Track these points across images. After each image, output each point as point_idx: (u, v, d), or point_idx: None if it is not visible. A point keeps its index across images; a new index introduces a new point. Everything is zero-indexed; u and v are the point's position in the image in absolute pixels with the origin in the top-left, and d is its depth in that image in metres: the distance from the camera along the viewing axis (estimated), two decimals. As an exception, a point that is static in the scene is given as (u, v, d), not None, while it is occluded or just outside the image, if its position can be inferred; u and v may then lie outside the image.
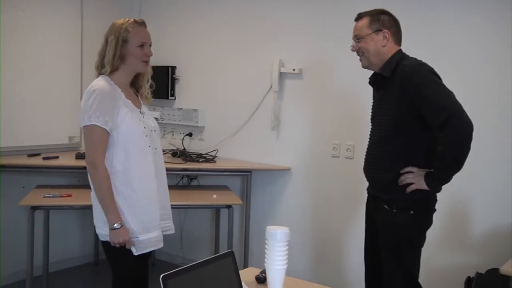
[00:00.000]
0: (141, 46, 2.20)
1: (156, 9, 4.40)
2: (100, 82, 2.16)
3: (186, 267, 1.27)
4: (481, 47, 2.92)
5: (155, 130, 2.30)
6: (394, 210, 2.21)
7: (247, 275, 1.82)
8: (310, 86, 3.60)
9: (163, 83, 4.26)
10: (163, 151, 4.01)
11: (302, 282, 1.83)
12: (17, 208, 3.23)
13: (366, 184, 3.30)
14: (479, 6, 2.91)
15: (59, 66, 3.86)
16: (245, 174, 3.81)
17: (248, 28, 3.89)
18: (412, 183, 2.17)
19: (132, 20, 2.22)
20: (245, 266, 3.57)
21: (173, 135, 4.36)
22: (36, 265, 3.52)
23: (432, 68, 2.18)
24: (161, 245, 2.28)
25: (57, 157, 3.65)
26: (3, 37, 3.59)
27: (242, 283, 1.53)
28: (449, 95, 2.10)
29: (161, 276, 1.19)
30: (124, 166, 2.14)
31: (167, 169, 3.76)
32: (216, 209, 4.00)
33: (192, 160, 3.85)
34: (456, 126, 2.05)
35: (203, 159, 3.87)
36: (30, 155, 3.70)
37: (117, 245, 2.12)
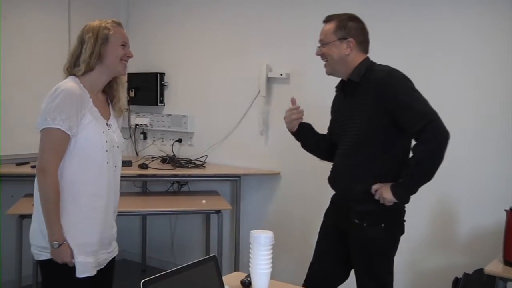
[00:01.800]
0: (122, 45, 2.05)
1: (144, 15, 4.41)
2: (69, 83, 1.96)
3: (167, 272, 1.27)
4: (481, 45, 2.92)
5: (118, 146, 2.08)
6: (365, 224, 2.16)
7: (233, 279, 1.82)
8: (297, 90, 3.60)
9: (152, 89, 4.26)
10: (153, 157, 4.09)
11: (287, 286, 1.83)
12: (5, 217, 3.21)
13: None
14: (478, 2, 2.91)
15: (46, 72, 3.83)
16: (235, 179, 3.82)
17: (236, 33, 3.90)
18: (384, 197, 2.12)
19: (110, 20, 2.06)
20: (236, 270, 3.57)
21: (162, 141, 4.36)
22: (25, 275, 3.50)
23: (406, 75, 2.14)
24: (94, 272, 2.01)
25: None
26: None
27: (226, 287, 1.53)
28: (426, 102, 2.08)
29: (142, 282, 1.18)
30: (74, 178, 1.95)
31: (158, 176, 3.83)
32: (206, 215, 4.00)
33: (182, 166, 3.85)
34: (435, 132, 2.02)
35: (193, 165, 3.87)
36: (18, 164, 3.69)
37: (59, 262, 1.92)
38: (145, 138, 4.42)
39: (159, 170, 3.77)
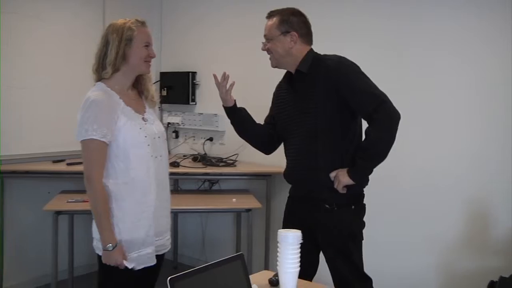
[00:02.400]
0: (146, 46, 2.10)
1: (176, 15, 4.45)
2: (96, 92, 2.04)
3: (193, 269, 1.28)
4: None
5: (159, 137, 2.15)
6: (335, 208, 2.22)
7: (261, 278, 1.82)
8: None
9: (184, 88, 4.31)
10: (184, 155, 4.13)
11: (315, 285, 1.81)
12: (43, 213, 3.30)
13: (376, 184, 3.32)
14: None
15: (82, 71, 3.92)
16: (266, 178, 3.81)
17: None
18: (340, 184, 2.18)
19: (133, 19, 2.10)
20: (266, 268, 3.57)
21: (194, 140, 4.39)
22: (62, 270, 3.60)
23: (354, 62, 2.21)
24: (152, 262, 2.12)
25: (81, 163, 3.71)
26: (24, 44, 3.71)
27: (254, 285, 1.53)
28: (374, 86, 2.16)
29: (169, 278, 1.20)
30: (123, 179, 2.03)
31: (189, 174, 3.86)
32: (237, 213, 4.01)
33: (213, 165, 3.87)
34: (386, 113, 2.10)
35: (224, 164, 3.89)
36: (55, 161, 3.79)
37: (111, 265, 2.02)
38: (177, 136, 4.47)
39: (190, 168, 3.81)
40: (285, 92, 2.39)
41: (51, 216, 3.22)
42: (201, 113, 4.28)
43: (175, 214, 4.37)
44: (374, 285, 3.31)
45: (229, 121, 4.13)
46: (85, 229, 4.02)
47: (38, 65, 3.79)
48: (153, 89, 2.24)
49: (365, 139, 2.18)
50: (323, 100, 2.19)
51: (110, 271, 2.05)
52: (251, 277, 1.80)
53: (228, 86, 2.45)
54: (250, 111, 3.90)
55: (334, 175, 2.20)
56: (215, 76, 2.47)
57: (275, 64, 2.34)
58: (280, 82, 2.46)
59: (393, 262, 3.34)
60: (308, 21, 2.33)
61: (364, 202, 2.34)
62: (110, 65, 2.05)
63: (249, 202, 3.58)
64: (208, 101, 4.30)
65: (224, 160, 3.95)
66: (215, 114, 4.18)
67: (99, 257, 2.09)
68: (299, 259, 1.65)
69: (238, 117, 2.50)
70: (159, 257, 2.20)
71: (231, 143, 4.13)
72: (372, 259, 3.40)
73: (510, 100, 2.82)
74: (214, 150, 4.24)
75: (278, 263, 1.65)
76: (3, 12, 3.55)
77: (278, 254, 1.65)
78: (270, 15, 2.33)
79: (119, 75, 2.09)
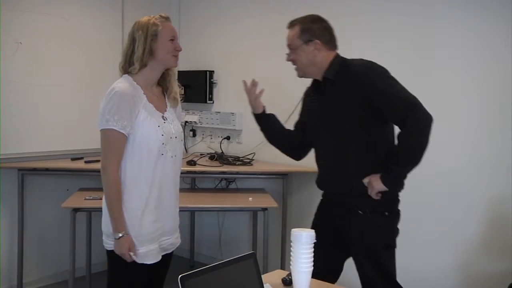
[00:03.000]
0: (171, 40, 2.11)
1: (194, 13, 4.47)
2: (121, 84, 2.05)
3: (205, 268, 1.27)
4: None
5: (176, 137, 2.16)
6: (369, 214, 2.18)
7: (274, 277, 1.81)
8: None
9: (202, 87, 4.32)
10: (201, 154, 4.14)
11: (329, 285, 1.80)
12: (61, 210, 3.34)
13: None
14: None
15: (101, 70, 3.98)
16: (282, 177, 3.80)
17: (284, 32, 3.87)
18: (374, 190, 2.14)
19: (157, 15, 2.13)
20: (282, 268, 3.56)
21: (211, 138, 4.40)
22: (79, 266, 3.64)
23: (382, 66, 2.17)
24: (157, 259, 2.12)
25: (98, 161, 3.74)
26: (45, 43, 3.75)
27: (267, 284, 1.52)
28: (405, 89, 2.11)
29: (179, 276, 1.19)
30: (135, 173, 2.05)
31: (206, 172, 3.87)
32: (253, 212, 4.01)
33: (229, 163, 3.87)
34: (418, 117, 2.05)
35: (240, 162, 3.89)
36: (73, 159, 3.83)
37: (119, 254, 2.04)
38: (194, 135, 4.49)
39: (207, 167, 3.81)
40: (313, 99, 2.36)
41: (69, 213, 3.25)
42: (218, 112, 4.29)
43: (191, 213, 4.39)
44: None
45: (246, 119, 4.19)
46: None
47: (59, 63, 3.83)
48: (177, 86, 2.24)
49: (397, 144, 2.13)
50: (351, 106, 2.14)
51: (120, 267, 2.07)
52: (265, 276, 1.79)
53: (257, 92, 2.42)
54: (272, 107, 3.92)
55: (367, 181, 2.16)
56: (244, 82, 2.44)
57: (301, 74, 2.30)
58: (308, 88, 2.42)
59: (412, 262, 3.29)
60: (330, 26, 2.27)
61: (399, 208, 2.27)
62: (137, 61, 2.07)
63: (266, 201, 3.57)
64: (226, 100, 4.30)
65: (241, 159, 3.95)
66: (232, 113, 4.18)
67: (109, 253, 2.11)
68: (312, 259, 1.63)
69: (266, 123, 2.48)
70: (167, 256, 2.21)
71: (248, 142, 4.13)
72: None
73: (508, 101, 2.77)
74: (231, 148, 4.24)
75: (291, 262, 1.64)
76: (17, 10, 3.60)
77: (291, 253, 1.64)
78: (291, 24, 2.28)
79: (146, 70, 2.10)
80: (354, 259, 2.28)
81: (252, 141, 4.10)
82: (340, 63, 2.21)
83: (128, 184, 2.06)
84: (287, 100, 3.87)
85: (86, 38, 3.98)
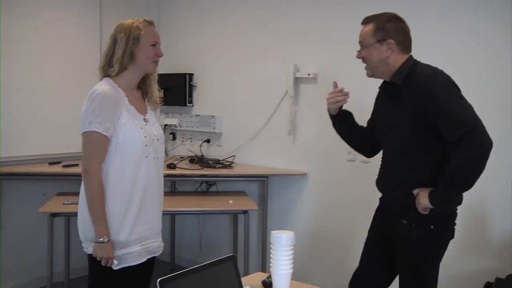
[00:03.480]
0: (153, 45, 2.12)
1: (173, 16, 4.45)
2: (103, 86, 2.05)
3: (184, 271, 1.27)
4: (480, 47, 2.88)
5: (158, 139, 2.17)
6: (413, 225, 2.11)
7: (254, 279, 1.82)
8: (325, 90, 3.53)
9: (181, 90, 4.30)
10: (181, 157, 4.12)
11: (307, 287, 1.81)
12: (39, 215, 3.29)
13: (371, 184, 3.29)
14: (478, 5, 2.87)
15: (79, 74, 3.94)
16: (262, 180, 3.81)
17: (263, 33, 3.90)
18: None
19: (142, 19, 2.13)
20: (263, 270, 3.57)
21: (191, 141, 4.39)
22: (57, 272, 3.59)
23: (450, 77, 2.06)
24: (135, 261, 2.11)
25: (76, 165, 3.72)
26: (23, 46, 3.70)
27: (247, 287, 1.52)
28: (468, 108, 1.99)
29: (158, 280, 1.19)
30: (117, 175, 2.04)
31: (186, 175, 3.86)
32: (234, 215, 4.01)
33: (210, 166, 3.87)
34: (474, 142, 1.93)
35: (221, 165, 3.89)
36: (51, 163, 3.78)
37: (99, 259, 2.02)
38: (174, 138, 4.47)
39: (187, 170, 3.80)
40: (382, 99, 2.30)
41: (47, 218, 3.20)
42: (198, 115, 4.28)
43: (172, 216, 4.37)
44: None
45: (226, 122, 4.19)
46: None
47: (35, 67, 3.78)
48: (157, 91, 2.25)
49: (450, 164, 2.00)
50: (410, 116, 2.07)
51: (102, 271, 2.05)
52: (245, 278, 1.80)
53: (342, 97, 2.35)
54: (252, 110, 3.94)
55: (416, 192, 2.08)
56: (335, 84, 2.40)
57: (371, 74, 2.22)
58: (380, 89, 2.35)
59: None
60: (407, 27, 2.17)
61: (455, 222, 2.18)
62: (117, 63, 2.06)
63: (246, 203, 3.58)
64: (205, 103, 4.30)
65: (221, 161, 3.95)
66: (212, 116, 4.17)
67: (89, 257, 2.09)
68: (292, 260, 1.64)
69: (340, 122, 2.44)
70: (150, 260, 2.20)
71: (228, 144, 4.13)
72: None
73: (508, 102, 2.81)
74: (211, 151, 4.23)
75: (271, 264, 1.65)
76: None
77: (271, 255, 1.64)
78: (366, 21, 2.18)
79: (126, 74, 2.10)
80: (398, 269, 2.22)
81: (232, 143, 4.11)
82: (409, 68, 2.11)
83: (110, 187, 2.04)
84: (265, 101, 3.90)
85: (63, 42, 3.94)
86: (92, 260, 2.08)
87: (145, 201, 2.12)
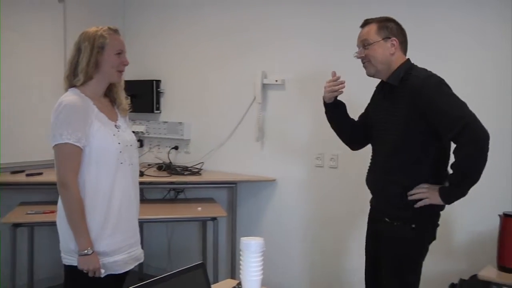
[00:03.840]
0: (118, 53, 2.10)
1: (139, 22, 4.41)
2: (69, 97, 2.02)
3: (153, 280, 1.25)
4: (481, 47, 2.89)
5: (131, 145, 2.16)
6: (395, 224, 2.18)
7: (224, 286, 1.81)
8: (293, 96, 3.61)
9: (148, 97, 4.26)
10: (149, 164, 4.08)
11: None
12: (1, 225, 3.20)
13: (350, 193, 3.33)
14: (478, 6, 2.88)
15: (41, 81, 3.86)
16: (231, 186, 3.81)
17: (231, 40, 3.91)
18: (422, 198, 2.14)
19: (106, 27, 2.10)
20: (233, 277, 3.56)
21: (159, 148, 4.35)
22: (21, 284, 3.49)
23: (443, 79, 2.13)
24: (119, 270, 2.10)
25: (40, 173, 3.63)
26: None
27: (216, 295, 1.51)
28: (461, 106, 2.07)
29: (127, 290, 1.17)
30: (93, 184, 2.02)
31: (154, 183, 3.82)
32: (202, 222, 3.98)
33: (178, 173, 3.84)
34: (471, 137, 2.01)
35: (189, 172, 3.86)
36: (13, 172, 3.67)
37: (85, 271, 1.99)
38: (141, 145, 4.41)
39: (155, 177, 3.76)
40: (378, 99, 2.37)
41: (8, 229, 3.11)
42: (166, 122, 4.25)
43: (140, 224, 4.28)
44: (344, 286, 3.31)
45: (194, 129, 4.17)
46: (46, 241, 3.94)
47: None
48: (124, 97, 2.24)
49: (454, 162, 2.10)
50: (404, 118, 2.14)
51: (77, 280, 2.02)
52: (215, 286, 1.79)
53: (338, 86, 2.37)
54: (220, 117, 3.93)
55: (425, 187, 2.13)
56: (333, 73, 2.41)
57: (373, 72, 2.25)
58: (376, 88, 2.43)
59: (356, 265, 3.37)
60: (404, 30, 2.26)
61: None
62: (82, 72, 2.04)
63: (215, 210, 3.56)
64: (173, 110, 4.27)
65: (189, 168, 3.93)
66: (180, 123, 4.15)
67: (65, 267, 2.06)
68: (262, 267, 1.64)
69: (334, 111, 2.47)
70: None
71: (196, 151, 4.11)
72: (343, 265, 3.44)
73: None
74: (179, 158, 4.20)
75: (241, 271, 1.64)
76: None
77: (241, 262, 1.64)
78: (366, 22, 2.26)
79: (92, 83, 2.08)
80: (383, 271, 2.27)
81: (200, 150, 4.09)
82: (406, 71, 2.19)
83: (88, 197, 2.01)
84: (233, 108, 3.90)
85: (25, 49, 3.84)
86: (69, 271, 2.05)
87: (123, 208, 2.10)
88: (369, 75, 2.29)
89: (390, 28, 2.21)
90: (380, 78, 2.30)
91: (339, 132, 2.56)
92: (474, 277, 2.50)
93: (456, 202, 2.82)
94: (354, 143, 2.57)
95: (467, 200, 2.90)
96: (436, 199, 2.12)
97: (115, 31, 2.14)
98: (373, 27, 2.22)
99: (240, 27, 3.85)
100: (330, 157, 3.43)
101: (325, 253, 3.51)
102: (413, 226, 2.16)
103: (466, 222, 2.91)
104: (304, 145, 3.56)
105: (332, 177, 3.44)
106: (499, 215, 2.42)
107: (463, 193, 2.13)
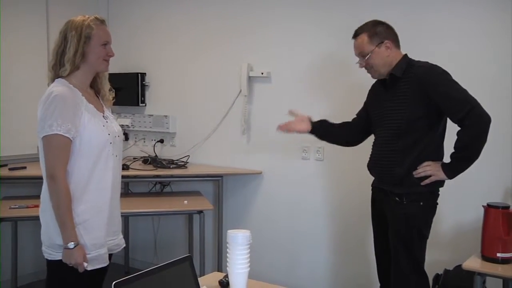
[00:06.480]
0: (104, 44, 2.07)
1: (124, 15, 4.37)
2: (59, 87, 1.97)
3: (140, 273, 1.25)
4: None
5: (118, 136, 2.14)
6: (405, 202, 2.34)
7: (211, 279, 1.81)
8: (278, 89, 3.61)
9: (133, 90, 4.23)
10: (134, 158, 4.05)
11: (266, 285, 1.82)
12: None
13: (336, 185, 3.35)
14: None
15: (24, 75, 3.80)
16: (217, 179, 3.80)
17: (217, 32, 3.89)
18: (429, 176, 2.31)
19: (93, 17, 2.07)
20: (219, 270, 3.56)
21: (144, 141, 4.32)
22: (5, 279, 3.45)
23: (444, 68, 2.32)
24: (105, 263, 2.09)
25: (24, 167, 3.59)
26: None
27: (203, 287, 1.51)
28: (464, 91, 2.26)
29: (113, 283, 1.16)
30: (83, 177, 1.99)
31: (139, 176, 3.80)
32: (189, 215, 3.98)
33: (164, 167, 3.82)
34: (477, 119, 2.21)
35: (175, 165, 3.85)
36: (-5, 166, 3.63)
37: (70, 265, 1.95)
38: (126, 139, 4.38)
39: (141, 171, 3.74)
40: (378, 92, 2.52)
41: (-8, 224, 3.08)
42: (151, 115, 4.22)
43: (125, 218, 4.27)
44: (328, 281, 3.36)
45: (179, 122, 4.15)
46: (31, 236, 3.89)
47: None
48: (108, 88, 2.21)
49: (457, 141, 2.27)
50: (410, 103, 2.31)
51: (60, 274, 2.00)
52: (202, 279, 1.78)
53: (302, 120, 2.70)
54: (205, 110, 3.91)
55: (429, 164, 2.31)
56: (290, 112, 2.75)
57: (378, 76, 2.45)
58: (374, 83, 2.58)
59: (342, 258, 3.40)
60: (391, 26, 2.42)
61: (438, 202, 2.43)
62: (68, 62, 2.00)
63: (201, 203, 3.56)
64: (158, 103, 4.24)
65: (175, 162, 3.91)
66: (165, 116, 4.12)
67: (48, 262, 2.03)
68: (248, 259, 1.64)
69: (318, 135, 2.73)
70: (109, 257, 2.16)
71: (182, 144, 4.09)
72: (329, 259, 3.46)
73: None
74: (165, 152, 4.18)
75: (228, 264, 1.65)
76: None
77: (228, 255, 1.64)
78: (356, 34, 2.42)
79: (78, 73, 2.04)
80: (390, 243, 2.42)
81: (186, 143, 4.07)
82: (407, 63, 2.37)
83: (78, 189, 1.98)
84: (219, 101, 3.89)
85: (7, 41, 3.77)
86: (52, 265, 2.02)
87: (114, 200, 2.10)
88: (375, 78, 2.48)
89: (380, 33, 2.38)
90: (384, 77, 2.44)
91: (333, 142, 2.82)
92: (458, 267, 2.53)
93: (440, 194, 2.89)
94: (352, 142, 2.76)
95: (451, 192, 2.95)
96: (441, 175, 2.30)
97: (102, 21, 2.11)
98: (364, 38, 2.39)
99: (227, 19, 3.83)
100: (316, 149, 3.44)
101: (310, 246, 3.53)
102: (421, 203, 2.34)
103: (450, 213, 2.94)
104: (290, 138, 3.54)
105: (318, 170, 3.46)
106: (483, 206, 2.45)
107: (464, 169, 2.32)
